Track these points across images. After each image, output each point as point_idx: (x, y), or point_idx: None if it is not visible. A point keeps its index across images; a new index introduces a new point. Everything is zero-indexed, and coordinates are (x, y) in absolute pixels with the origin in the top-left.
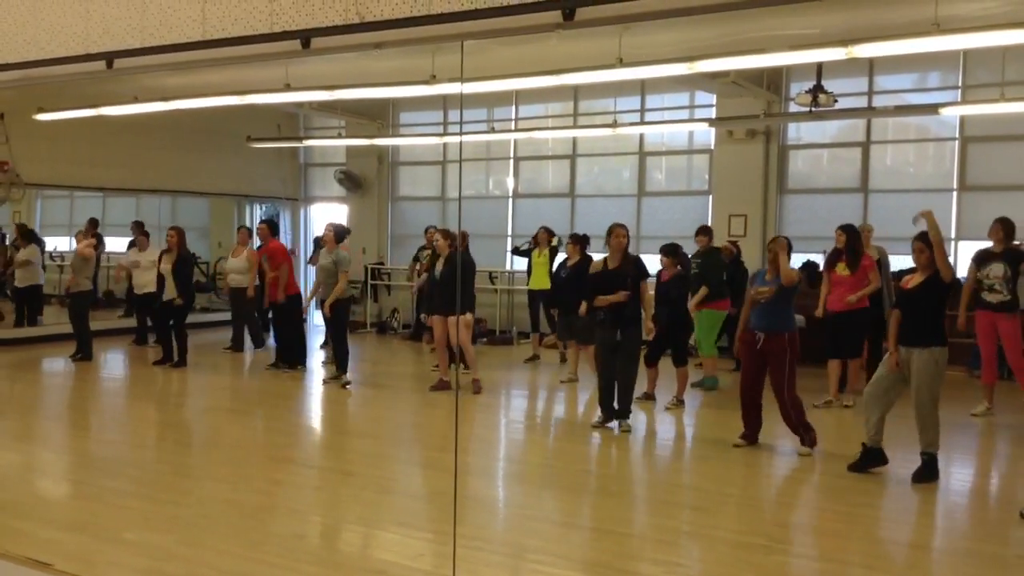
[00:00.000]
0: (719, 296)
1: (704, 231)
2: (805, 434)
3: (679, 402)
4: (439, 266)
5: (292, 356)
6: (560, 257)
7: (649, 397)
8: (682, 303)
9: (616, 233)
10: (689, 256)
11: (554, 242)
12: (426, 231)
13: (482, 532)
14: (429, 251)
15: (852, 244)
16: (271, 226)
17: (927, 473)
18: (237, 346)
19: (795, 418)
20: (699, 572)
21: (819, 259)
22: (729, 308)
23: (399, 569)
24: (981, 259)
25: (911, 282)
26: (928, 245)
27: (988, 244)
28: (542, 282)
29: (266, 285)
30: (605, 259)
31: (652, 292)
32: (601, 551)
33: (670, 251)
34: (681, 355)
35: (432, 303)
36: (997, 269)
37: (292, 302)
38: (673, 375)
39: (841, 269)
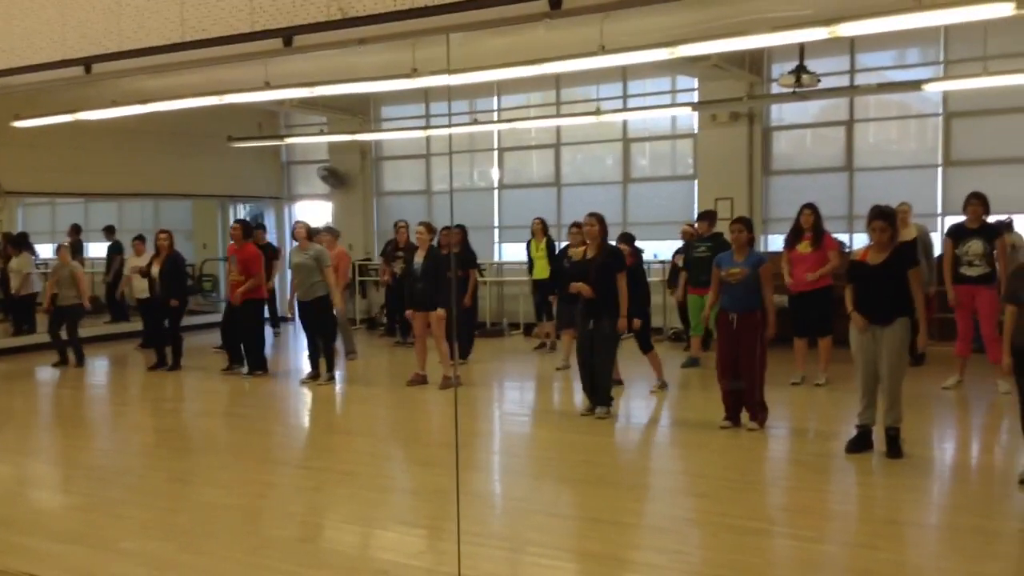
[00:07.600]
0: None
1: (707, 215)
2: (761, 412)
3: (663, 385)
4: (418, 260)
5: (252, 360)
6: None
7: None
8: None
9: (586, 222)
10: (686, 241)
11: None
12: (395, 225)
13: (482, 527)
14: (402, 251)
15: (818, 223)
16: (245, 228)
17: (898, 448)
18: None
19: (759, 396)
20: (702, 559)
21: None
22: None
23: (401, 568)
24: (957, 235)
25: (867, 256)
26: (891, 224)
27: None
28: (544, 271)
29: (228, 285)
30: (586, 248)
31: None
32: (603, 541)
33: (627, 239)
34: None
35: (413, 298)
36: (976, 246)
37: (254, 307)
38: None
39: (803, 248)
